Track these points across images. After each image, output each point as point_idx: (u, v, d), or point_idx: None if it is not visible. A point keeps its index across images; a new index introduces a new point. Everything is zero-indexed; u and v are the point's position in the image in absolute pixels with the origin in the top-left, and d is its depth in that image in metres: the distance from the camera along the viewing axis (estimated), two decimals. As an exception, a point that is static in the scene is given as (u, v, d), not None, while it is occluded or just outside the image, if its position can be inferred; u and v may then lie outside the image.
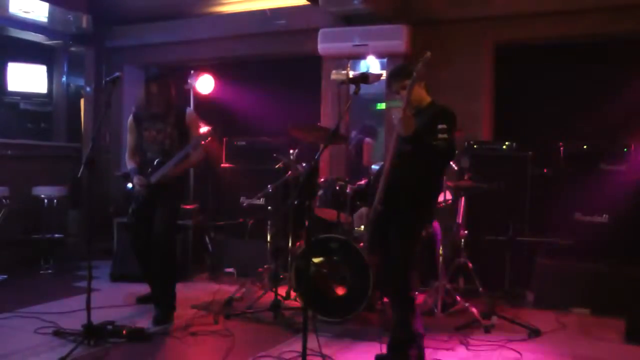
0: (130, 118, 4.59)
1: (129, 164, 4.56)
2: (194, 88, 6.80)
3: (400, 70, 3.51)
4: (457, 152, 3.46)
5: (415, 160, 3.28)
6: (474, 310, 4.36)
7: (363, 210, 3.55)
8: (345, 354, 3.65)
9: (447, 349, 3.89)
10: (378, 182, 3.40)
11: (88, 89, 7.68)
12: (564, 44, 5.75)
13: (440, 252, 4.64)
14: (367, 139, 6.69)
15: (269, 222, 5.23)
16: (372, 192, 3.49)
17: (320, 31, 5.96)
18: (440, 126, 3.19)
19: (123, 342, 3.86)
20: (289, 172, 5.05)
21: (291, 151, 5.13)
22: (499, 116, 6.06)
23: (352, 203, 4.65)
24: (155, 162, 4.39)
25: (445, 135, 3.19)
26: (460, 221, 4.80)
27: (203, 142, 4.43)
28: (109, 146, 7.62)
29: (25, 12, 6.63)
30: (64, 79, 7.81)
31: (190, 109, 4.67)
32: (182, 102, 4.80)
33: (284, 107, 6.62)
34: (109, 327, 3.92)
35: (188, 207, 6.27)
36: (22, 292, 5.33)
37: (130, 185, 4.49)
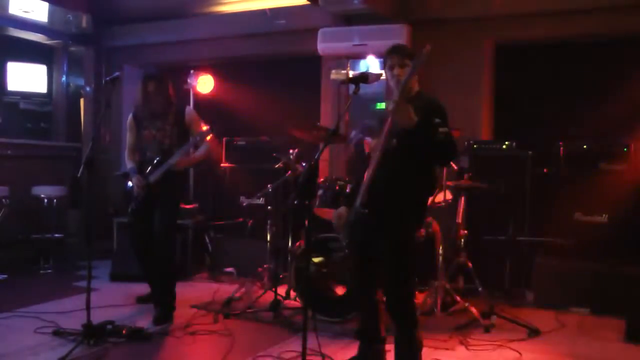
0: (130, 117, 4.59)
1: (128, 164, 4.57)
2: (193, 88, 6.80)
3: (405, 48, 3.36)
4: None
5: (404, 159, 3.11)
6: (473, 310, 4.36)
7: (341, 210, 3.39)
8: (345, 354, 3.64)
9: (447, 349, 3.89)
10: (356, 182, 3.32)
11: (88, 88, 7.69)
12: (564, 44, 5.75)
13: (440, 252, 4.64)
14: (368, 138, 6.69)
15: (269, 222, 5.23)
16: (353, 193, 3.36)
17: (320, 31, 5.96)
18: (437, 121, 3.02)
19: (123, 341, 3.86)
20: (289, 172, 5.05)
21: (291, 151, 5.13)
22: (499, 116, 6.06)
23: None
24: (154, 162, 4.39)
25: (445, 129, 3.02)
26: (460, 221, 4.80)
27: (206, 139, 4.44)
28: (108, 146, 7.62)
29: (25, 12, 6.63)
30: (63, 78, 7.81)
31: (190, 107, 4.66)
32: (180, 100, 4.79)
33: (284, 107, 6.62)
34: (109, 326, 3.92)
35: (188, 207, 6.27)
36: (22, 292, 5.33)
37: (130, 184, 4.49)
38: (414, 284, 3.30)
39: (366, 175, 3.20)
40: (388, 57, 3.32)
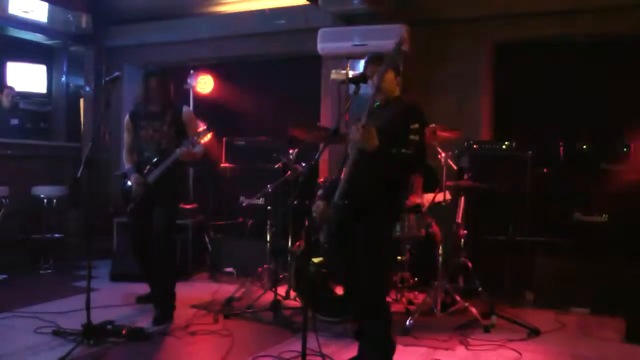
0: (127, 117, 4.58)
1: (126, 164, 4.57)
2: (193, 88, 6.80)
3: (375, 56, 3.43)
4: (426, 156, 3.32)
5: (380, 160, 3.16)
6: (473, 310, 4.36)
7: (320, 203, 3.43)
8: (345, 354, 3.64)
9: (447, 349, 3.89)
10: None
11: (87, 88, 7.69)
12: (563, 43, 5.75)
13: (440, 252, 4.64)
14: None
15: (268, 222, 5.23)
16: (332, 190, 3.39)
17: (320, 31, 5.96)
18: (412, 126, 3.11)
19: (123, 341, 3.86)
20: (289, 172, 5.05)
21: (291, 151, 5.13)
22: (499, 116, 6.06)
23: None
24: (152, 162, 4.38)
25: (417, 137, 3.12)
26: (460, 221, 4.80)
27: (201, 141, 4.41)
28: (108, 146, 7.62)
29: (25, 12, 6.63)
30: (63, 78, 7.81)
31: (187, 107, 4.63)
32: (178, 100, 4.79)
33: (284, 107, 6.62)
34: (109, 326, 3.92)
35: (188, 207, 6.27)
36: (22, 292, 5.32)
37: (129, 182, 4.48)
38: (388, 279, 3.32)
39: (344, 171, 3.22)
40: (366, 68, 3.39)
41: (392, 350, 3.35)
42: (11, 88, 7.08)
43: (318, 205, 3.42)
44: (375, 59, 3.40)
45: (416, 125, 3.14)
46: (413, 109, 3.29)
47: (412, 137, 3.11)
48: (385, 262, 3.36)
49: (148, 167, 4.40)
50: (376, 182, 3.25)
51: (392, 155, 3.09)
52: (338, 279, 4.28)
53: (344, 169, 3.24)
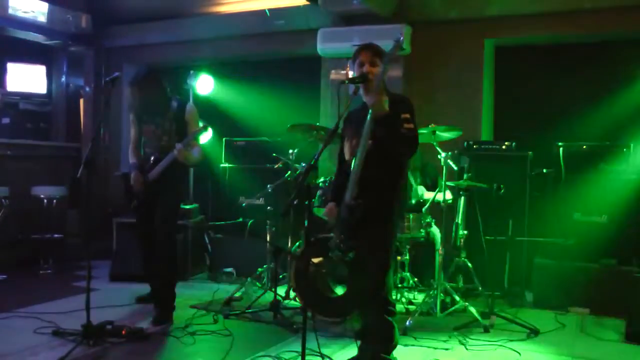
0: (132, 112, 4.59)
1: (131, 159, 4.58)
2: (193, 88, 6.79)
3: (376, 47, 3.38)
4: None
5: (384, 155, 3.18)
6: (473, 310, 4.35)
7: (332, 205, 3.40)
8: (345, 354, 3.64)
9: (447, 349, 3.89)
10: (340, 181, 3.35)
11: (87, 89, 7.69)
12: (563, 44, 5.75)
13: (440, 252, 4.64)
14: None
15: (268, 222, 5.23)
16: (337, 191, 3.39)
17: (320, 31, 5.96)
18: (403, 116, 3.12)
19: (122, 342, 3.86)
20: (289, 172, 5.05)
21: (291, 151, 5.13)
22: (499, 116, 6.06)
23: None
24: (152, 159, 4.38)
25: (411, 125, 3.13)
26: (460, 221, 4.80)
27: (199, 139, 4.39)
28: (108, 146, 7.62)
29: (24, 12, 6.63)
30: (63, 79, 7.80)
31: (191, 105, 4.60)
32: (183, 97, 4.76)
33: (284, 107, 6.62)
34: (108, 327, 3.92)
35: (188, 207, 6.27)
36: (22, 292, 5.33)
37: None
38: (389, 276, 3.35)
39: (352, 173, 3.21)
40: (359, 54, 3.35)
41: (394, 346, 3.36)
42: (2, 87, 7.07)
43: (331, 207, 3.39)
44: (371, 48, 3.35)
45: (407, 115, 3.15)
46: (404, 101, 3.28)
47: (406, 125, 3.12)
48: (390, 260, 3.38)
49: (150, 162, 4.39)
50: (384, 179, 3.24)
51: (396, 126, 3.10)
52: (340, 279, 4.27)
53: (352, 170, 3.22)
